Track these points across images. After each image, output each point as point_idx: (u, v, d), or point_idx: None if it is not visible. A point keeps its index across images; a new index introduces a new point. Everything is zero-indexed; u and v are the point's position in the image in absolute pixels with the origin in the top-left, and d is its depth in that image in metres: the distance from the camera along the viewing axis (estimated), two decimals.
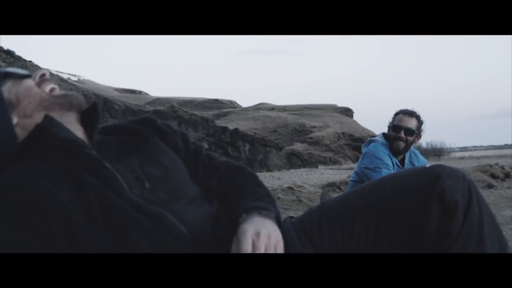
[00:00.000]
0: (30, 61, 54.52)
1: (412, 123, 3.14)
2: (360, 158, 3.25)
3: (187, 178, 1.26)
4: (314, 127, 64.57)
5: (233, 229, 1.14)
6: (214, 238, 1.15)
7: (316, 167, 32.40)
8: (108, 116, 55.34)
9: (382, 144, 3.16)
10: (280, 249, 1.10)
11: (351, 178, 3.30)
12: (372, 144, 3.18)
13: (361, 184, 2.79)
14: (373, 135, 3.35)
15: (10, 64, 50.27)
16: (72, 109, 1.23)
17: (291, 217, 1.38)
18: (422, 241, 1.17)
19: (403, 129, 3.11)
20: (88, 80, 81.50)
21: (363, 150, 3.25)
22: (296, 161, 56.50)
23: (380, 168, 2.96)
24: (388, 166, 2.97)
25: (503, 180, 21.17)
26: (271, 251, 1.08)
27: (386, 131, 3.26)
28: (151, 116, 1.35)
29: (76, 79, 76.18)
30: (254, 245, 1.07)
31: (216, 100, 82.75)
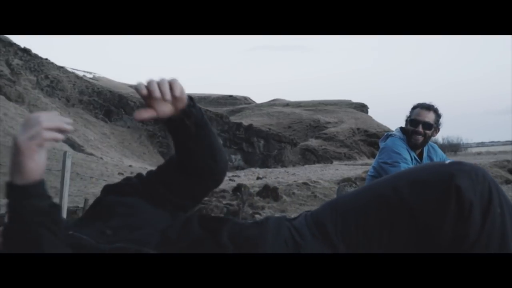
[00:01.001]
0: (46, 59, 55.19)
1: (430, 117, 3.10)
2: (378, 153, 3.22)
3: (151, 211, 1.35)
4: (329, 122, 64.46)
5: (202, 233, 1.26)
6: (185, 242, 1.23)
7: (331, 162, 32.28)
8: (123, 112, 55.83)
9: (400, 138, 3.13)
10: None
11: (369, 173, 3.27)
12: (389, 139, 3.15)
13: None
14: (389, 131, 3.31)
15: (26, 62, 50.89)
16: None
17: (307, 211, 1.39)
18: (439, 239, 1.15)
19: (421, 123, 3.08)
20: (103, 77, 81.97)
21: (381, 145, 3.22)
22: (310, 156, 56.49)
23: (399, 162, 2.92)
24: (407, 160, 2.94)
25: None
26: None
27: (403, 125, 3.23)
28: (107, 185, 1.46)
29: (91, 76, 76.70)
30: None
31: (231, 96, 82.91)
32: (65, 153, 5.96)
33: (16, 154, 1.06)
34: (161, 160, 51.14)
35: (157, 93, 1.15)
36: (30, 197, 1.08)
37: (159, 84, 1.17)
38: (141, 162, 40.91)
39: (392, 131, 3.28)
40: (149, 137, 54.11)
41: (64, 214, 5.60)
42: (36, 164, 1.08)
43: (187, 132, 1.25)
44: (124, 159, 38.76)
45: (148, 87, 1.16)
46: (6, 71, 46.66)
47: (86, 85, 57.00)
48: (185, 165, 1.34)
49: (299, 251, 1.21)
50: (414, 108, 3.18)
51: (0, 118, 31.36)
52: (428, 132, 3.09)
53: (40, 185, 1.11)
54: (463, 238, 1.13)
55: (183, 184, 1.36)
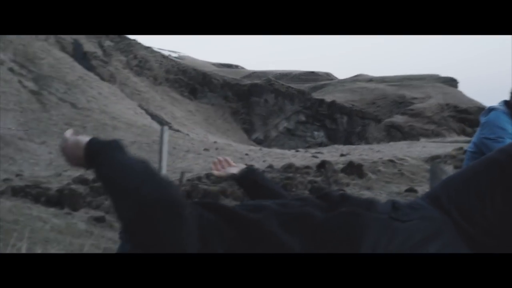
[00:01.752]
0: (134, 40, 57.65)
1: None
2: (479, 128, 3.04)
3: None
4: (415, 98, 61.94)
5: None
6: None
7: (418, 139, 31.08)
8: (207, 90, 57.23)
9: (504, 112, 2.94)
10: None
11: (469, 149, 3.11)
12: (492, 113, 2.96)
13: (481, 155, 2.66)
14: (481, 106, 3.12)
15: (116, 43, 53.46)
16: None
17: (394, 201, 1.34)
18: None
19: None
20: (188, 56, 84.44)
21: (482, 119, 3.04)
22: (396, 133, 54.75)
23: (503, 138, 2.75)
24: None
25: None
26: None
27: (508, 98, 3.02)
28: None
29: (176, 55, 79.24)
30: None
31: (312, 72, 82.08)
32: (162, 127, 6.16)
33: None
34: (244, 137, 52.03)
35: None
36: None
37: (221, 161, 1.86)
38: (225, 139, 41.84)
39: (495, 104, 3.08)
40: (233, 114, 55.12)
41: None
42: None
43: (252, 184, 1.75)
44: (209, 135, 39.86)
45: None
46: (99, 52, 49.36)
47: (172, 64, 58.97)
48: None
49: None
50: None
51: (95, 97, 33.36)
52: None
53: None
54: None
55: None
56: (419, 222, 1.20)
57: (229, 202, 11.00)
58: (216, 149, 25.07)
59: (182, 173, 7.80)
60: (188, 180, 14.54)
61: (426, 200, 1.32)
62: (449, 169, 4.17)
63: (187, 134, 33.46)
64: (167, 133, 5.96)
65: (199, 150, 24.04)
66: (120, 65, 50.16)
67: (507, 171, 1.21)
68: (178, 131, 34.58)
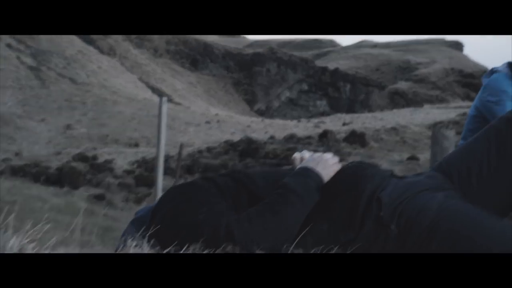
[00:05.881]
0: None
1: None
2: (481, 90, 2.87)
3: None
4: (420, 63, 61.30)
5: None
6: None
7: (422, 106, 30.83)
8: (209, 60, 56.74)
9: (506, 75, 2.76)
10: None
11: (470, 113, 2.97)
12: (494, 75, 2.80)
13: (482, 119, 2.43)
14: (487, 71, 2.95)
15: None
16: None
17: (394, 176, 1.43)
18: None
19: None
20: None
21: (484, 81, 2.90)
22: (399, 100, 54.29)
23: (504, 100, 2.60)
24: None
25: None
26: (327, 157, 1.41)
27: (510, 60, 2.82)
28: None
29: None
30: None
31: (316, 39, 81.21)
32: (161, 98, 5.90)
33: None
34: (246, 108, 51.85)
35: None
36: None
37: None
38: (227, 110, 41.73)
39: (498, 66, 2.88)
40: (234, 84, 54.82)
41: (161, 161, 5.64)
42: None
43: None
44: (210, 107, 39.68)
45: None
46: None
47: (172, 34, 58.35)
48: None
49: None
50: None
51: (94, 71, 33.11)
52: None
53: None
54: None
55: None
56: (423, 179, 1.35)
57: None
58: (218, 121, 24.94)
59: (181, 146, 7.63)
60: (189, 154, 14.42)
61: (434, 169, 1.47)
62: (451, 134, 3.98)
63: (188, 107, 33.28)
64: (165, 105, 5.72)
65: (200, 122, 23.92)
66: (119, 37, 49.61)
67: (502, 133, 1.35)
68: (179, 104, 34.43)
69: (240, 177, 1.36)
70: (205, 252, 1.14)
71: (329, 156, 1.41)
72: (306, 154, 1.45)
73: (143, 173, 12.70)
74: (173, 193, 1.36)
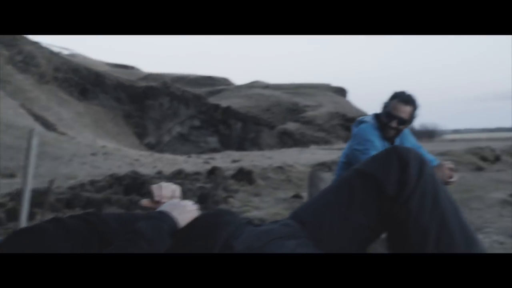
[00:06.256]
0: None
1: (406, 112, 2.94)
2: (351, 139, 3.08)
3: None
4: (308, 106, 64.41)
5: None
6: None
7: (308, 146, 32.29)
8: (99, 91, 54.83)
9: (373, 125, 2.99)
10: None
11: (340, 159, 3.17)
12: (362, 125, 3.02)
13: (350, 166, 2.64)
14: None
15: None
16: None
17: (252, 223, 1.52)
18: (387, 188, 1.40)
19: (397, 119, 2.92)
20: (80, 54, 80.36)
21: (353, 131, 3.09)
22: (288, 140, 56.41)
23: (369, 149, 2.80)
24: (377, 148, 2.81)
25: (493, 163, 21.15)
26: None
27: (379, 111, 3.07)
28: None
29: (67, 52, 75.06)
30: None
31: (210, 77, 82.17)
32: (31, 130, 5.53)
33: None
34: (136, 141, 50.56)
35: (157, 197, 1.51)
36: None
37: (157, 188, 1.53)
38: (116, 143, 40.33)
39: (366, 116, 3.12)
40: (125, 117, 53.35)
41: (27, 195, 5.25)
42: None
43: None
44: (97, 139, 38.11)
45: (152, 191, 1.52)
46: None
47: (62, 61, 55.73)
48: None
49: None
50: (393, 97, 2.99)
51: None
52: (401, 127, 2.96)
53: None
54: (404, 185, 1.39)
55: None
56: (277, 227, 1.41)
57: (115, 210, 10.49)
58: (105, 154, 23.98)
59: (50, 182, 7.13)
60: (70, 187, 13.64)
61: (290, 217, 1.53)
62: (327, 176, 4.21)
63: (74, 137, 31.71)
64: (36, 138, 5.35)
65: (86, 154, 22.83)
66: (2, 60, 46.33)
67: (352, 184, 1.45)
68: (64, 133, 32.69)
69: (92, 219, 1.32)
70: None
71: (188, 202, 1.43)
72: (164, 184, 1.49)
73: (17, 207, 11.73)
74: (13, 239, 1.27)
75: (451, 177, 2.62)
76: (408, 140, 3.10)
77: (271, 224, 1.47)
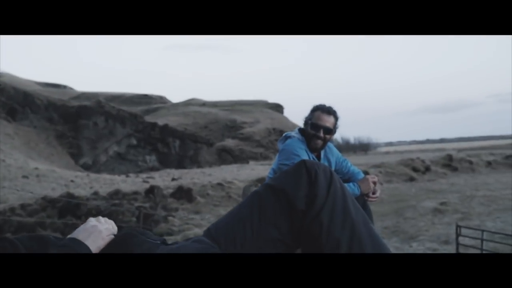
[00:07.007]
0: None
1: (330, 122, 3.09)
2: (278, 154, 3.19)
3: None
4: (245, 122, 64.86)
5: None
6: None
7: (247, 162, 32.49)
8: (29, 111, 52.68)
9: (299, 139, 3.12)
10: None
11: (268, 175, 3.23)
12: (288, 140, 3.11)
13: None
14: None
15: None
16: None
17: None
18: (296, 202, 1.46)
19: (322, 128, 3.07)
20: (7, 73, 76.94)
21: (280, 146, 3.18)
22: (227, 157, 56.47)
23: None
24: None
25: (423, 173, 22.27)
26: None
27: (302, 126, 3.21)
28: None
29: None
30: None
31: (145, 95, 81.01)
32: None
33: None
34: (71, 162, 48.84)
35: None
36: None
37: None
38: (49, 164, 38.77)
39: (291, 131, 3.26)
40: (58, 137, 51.47)
41: None
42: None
43: None
44: (29, 161, 36.49)
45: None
46: None
47: None
48: None
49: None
50: (314, 110, 3.14)
51: None
52: (328, 136, 3.10)
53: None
54: (314, 198, 1.45)
55: None
56: (189, 244, 1.46)
57: (50, 233, 10.13)
58: (37, 176, 23.07)
59: None
60: (0, 212, 13.06)
61: (204, 233, 1.58)
62: None
63: (3, 160, 30.25)
64: None
65: (17, 177, 21.88)
66: None
67: (263, 199, 1.52)
68: None
69: (4, 245, 1.24)
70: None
71: (104, 226, 1.43)
72: (102, 220, 1.47)
73: None
74: None
75: (375, 191, 2.81)
76: (332, 153, 3.26)
77: (184, 242, 1.51)
